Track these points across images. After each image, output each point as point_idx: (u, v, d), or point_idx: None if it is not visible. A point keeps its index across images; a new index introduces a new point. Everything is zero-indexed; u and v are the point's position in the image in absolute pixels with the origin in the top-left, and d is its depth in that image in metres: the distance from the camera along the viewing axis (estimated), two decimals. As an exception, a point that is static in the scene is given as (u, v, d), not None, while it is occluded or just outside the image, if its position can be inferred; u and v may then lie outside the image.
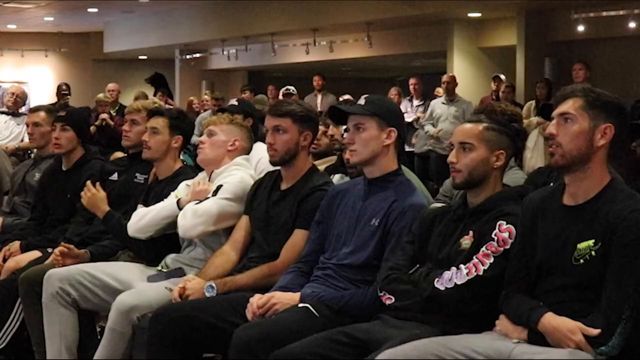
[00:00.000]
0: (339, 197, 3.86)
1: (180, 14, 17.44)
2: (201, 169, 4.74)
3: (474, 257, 3.24)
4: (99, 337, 4.65)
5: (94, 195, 4.75)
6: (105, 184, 5.19)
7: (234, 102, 6.27)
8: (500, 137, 3.41)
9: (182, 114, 5.04)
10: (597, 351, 2.88)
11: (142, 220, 4.49)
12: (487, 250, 3.23)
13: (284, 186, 4.13)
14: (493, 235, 3.25)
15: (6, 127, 9.58)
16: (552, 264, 3.03)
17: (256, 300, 3.67)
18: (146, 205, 4.65)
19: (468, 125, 3.46)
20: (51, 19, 19.01)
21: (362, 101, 3.78)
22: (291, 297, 3.67)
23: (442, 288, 3.25)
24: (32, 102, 14.92)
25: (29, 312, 4.64)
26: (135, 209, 4.79)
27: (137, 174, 5.12)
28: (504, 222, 3.25)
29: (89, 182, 4.82)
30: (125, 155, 5.49)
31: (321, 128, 4.93)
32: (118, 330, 4.11)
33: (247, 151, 4.62)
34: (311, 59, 16.10)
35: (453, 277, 3.24)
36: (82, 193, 4.78)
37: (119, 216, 4.74)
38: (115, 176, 5.24)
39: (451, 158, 3.42)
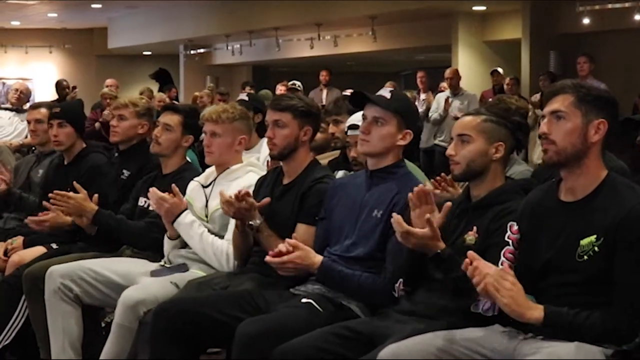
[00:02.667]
0: (339, 189, 3.87)
1: (184, 9, 17.44)
2: (205, 165, 4.74)
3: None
4: (103, 332, 4.65)
5: (74, 200, 4.67)
6: (99, 181, 5.17)
7: (244, 97, 6.21)
8: (499, 129, 3.40)
9: (196, 112, 5.01)
10: (624, 347, 2.86)
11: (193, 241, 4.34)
12: (507, 259, 3.16)
13: (286, 181, 4.12)
14: (507, 239, 3.19)
15: (10, 123, 9.57)
16: (556, 262, 3.00)
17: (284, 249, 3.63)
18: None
19: (467, 118, 3.46)
20: (55, 15, 19.04)
21: (387, 94, 3.74)
22: (312, 262, 3.64)
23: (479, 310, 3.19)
24: (37, 98, 14.94)
25: (33, 308, 4.63)
26: (118, 204, 4.84)
27: (124, 170, 5.11)
28: (515, 224, 3.20)
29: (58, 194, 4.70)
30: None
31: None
32: (125, 325, 4.11)
33: (251, 137, 4.62)
34: (315, 53, 16.10)
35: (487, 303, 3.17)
36: (59, 205, 4.69)
37: (109, 212, 4.73)
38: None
39: (449, 150, 3.42)
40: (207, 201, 4.43)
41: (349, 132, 4.39)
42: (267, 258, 3.64)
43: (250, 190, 4.09)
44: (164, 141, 4.73)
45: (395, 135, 3.71)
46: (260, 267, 3.98)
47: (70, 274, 4.43)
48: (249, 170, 4.45)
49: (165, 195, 4.31)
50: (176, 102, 13.01)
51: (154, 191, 4.33)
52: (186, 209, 4.34)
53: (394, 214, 3.28)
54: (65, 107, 5.73)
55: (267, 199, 4.00)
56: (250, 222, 3.95)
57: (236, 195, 3.91)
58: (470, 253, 2.93)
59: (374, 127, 3.70)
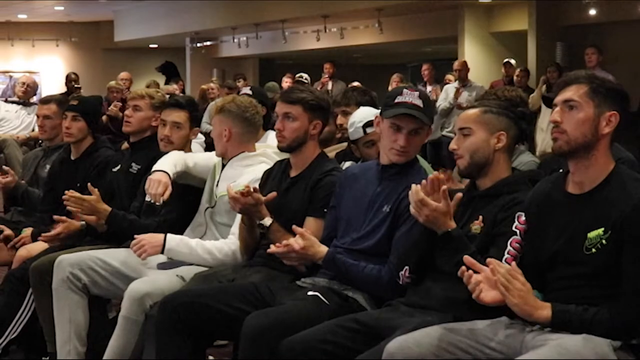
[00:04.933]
0: (350, 180, 3.85)
1: (190, 2, 17.43)
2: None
3: (504, 260, 3.15)
4: (109, 324, 4.65)
5: (88, 202, 4.64)
6: (107, 174, 5.17)
7: (247, 91, 6.17)
8: (498, 119, 3.40)
9: (195, 102, 5.02)
10: (634, 342, 2.86)
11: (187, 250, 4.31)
12: (513, 248, 3.17)
13: (293, 173, 4.12)
14: (514, 229, 3.19)
15: (17, 116, 9.61)
16: (564, 255, 3.00)
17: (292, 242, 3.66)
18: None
19: (467, 112, 3.47)
20: (62, 8, 19.06)
21: (419, 102, 3.67)
22: (316, 252, 3.66)
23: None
24: (43, 91, 14.96)
25: (40, 301, 4.63)
26: (129, 199, 4.82)
27: (133, 164, 5.06)
28: (523, 214, 3.20)
29: (73, 192, 4.66)
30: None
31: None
32: (132, 318, 4.11)
33: (249, 130, 4.52)
34: (322, 45, 16.09)
35: None
36: (72, 206, 4.66)
37: (122, 213, 4.70)
38: (119, 167, 5.22)
39: (452, 145, 3.43)
40: (217, 182, 4.44)
41: (369, 130, 4.37)
42: (271, 248, 3.64)
43: (257, 184, 4.09)
44: (176, 140, 4.72)
45: (424, 139, 3.74)
46: (267, 259, 3.99)
47: (80, 263, 4.43)
48: (261, 161, 4.44)
49: (140, 237, 4.22)
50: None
51: (132, 244, 4.23)
52: (165, 236, 4.26)
53: (413, 185, 3.28)
54: (84, 101, 5.69)
55: (273, 194, 3.99)
56: (261, 222, 3.95)
57: (242, 192, 3.91)
58: (490, 260, 2.94)
59: (412, 138, 3.67)
